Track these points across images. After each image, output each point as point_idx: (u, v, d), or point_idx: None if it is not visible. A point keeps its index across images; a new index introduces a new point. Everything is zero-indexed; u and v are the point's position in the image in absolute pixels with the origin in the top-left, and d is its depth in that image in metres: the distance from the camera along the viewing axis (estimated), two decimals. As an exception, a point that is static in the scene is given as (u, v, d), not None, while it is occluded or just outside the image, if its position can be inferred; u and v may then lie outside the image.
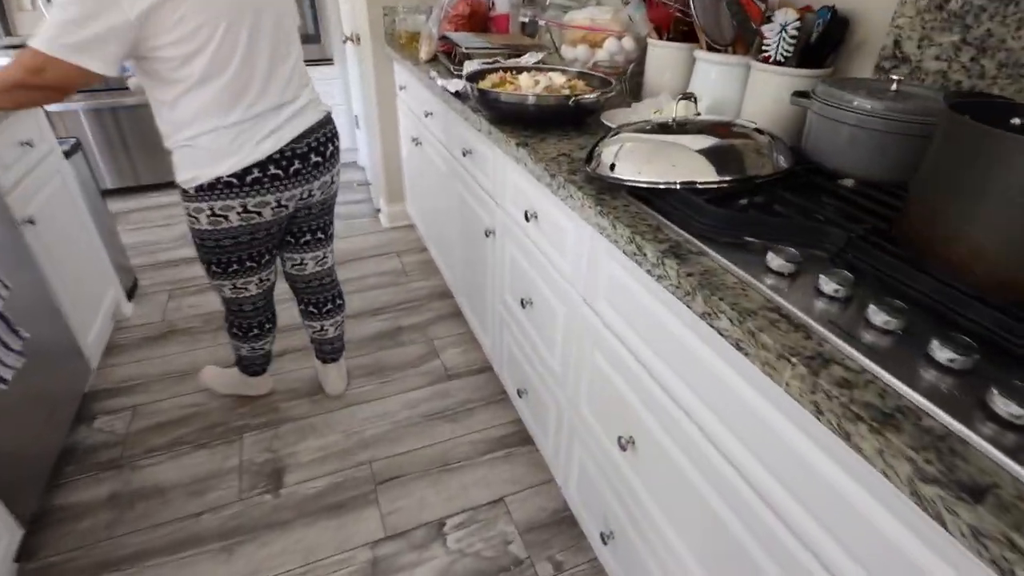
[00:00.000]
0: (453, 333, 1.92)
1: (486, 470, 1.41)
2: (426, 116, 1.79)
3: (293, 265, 1.41)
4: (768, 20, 0.96)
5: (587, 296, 0.95)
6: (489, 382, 1.70)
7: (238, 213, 1.12)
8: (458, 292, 1.89)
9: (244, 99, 1.05)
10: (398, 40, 2.13)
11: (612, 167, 0.84)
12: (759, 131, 0.88)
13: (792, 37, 0.93)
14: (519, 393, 1.37)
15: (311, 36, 2.98)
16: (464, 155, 1.43)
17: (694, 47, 1.22)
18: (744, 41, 1.07)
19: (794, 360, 0.52)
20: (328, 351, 1.60)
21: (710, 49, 1.12)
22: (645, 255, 0.72)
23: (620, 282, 0.84)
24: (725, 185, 0.77)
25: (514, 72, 1.32)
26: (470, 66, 1.43)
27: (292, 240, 1.35)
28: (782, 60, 0.96)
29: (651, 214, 0.79)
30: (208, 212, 1.11)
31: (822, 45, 0.96)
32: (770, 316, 0.58)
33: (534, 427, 1.36)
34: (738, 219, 0.72)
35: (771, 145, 0.83)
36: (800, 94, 0.89)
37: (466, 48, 1.58)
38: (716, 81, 1.13)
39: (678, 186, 0.77)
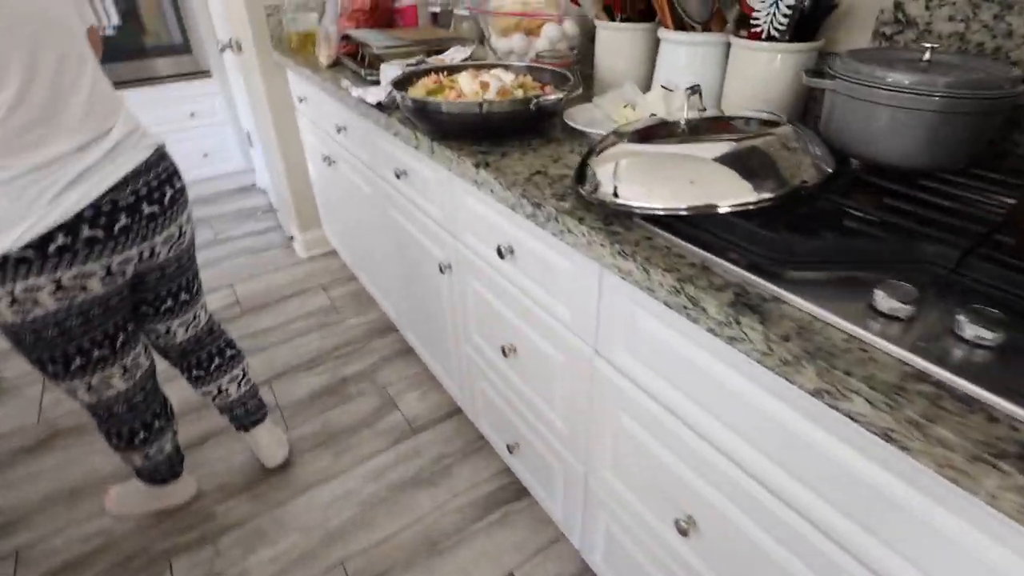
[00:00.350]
0: (407, 374, 1.69)
1: (483, 540, 1.21)
2: (338, 132, 1.52)
3: (158, 337, 1.14)
4: (758, -11, 0.81)
5: (602, 348, 0.77)
6: (461, 427, 1.49)
7: (52, 293, 0.84)
8: (404, 327, 1.65)
9: (24, 144, 0.77)
10: (288, 44, 1.83)
11: (615, 191, 0.66)
12: (773, 121, 0.73)
13: (788, 7, 0.79)
14: (509, 449, 1.17)
15: (178, 46, 2.56)
16: (398, 177, 1.19)
17: (651, 27, 1.07)
18: (720, 17, 0.92)
19: (1002, 464, 0.37)
20: (243, 415, 1.32)
21: (677, 28, 0.97)
22: (704, 310, 0.55)
23: (655, 335, 0.67)
24: (768, 203, 0.61)
25: (446, 73, 1.10)
26: (389, 70, 1.19)
27: (151, 311, 1.09)
28: (776, 35, 0.82)
29: (685, 247, 0.62)
30: (7, 300, 0.82)
31: (815, 13, 0.83)
32: (923, 390, 0.42)
33: (534, 484, 1.17)
34: (812, 247, 0.57)
35: (799, 137, 0.68)
36: (815, 72, 0.76)
37: (377, 49, 1.33)
38: (687, 65, 0.97)
39: (720, 210, 0.60)
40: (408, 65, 1.16)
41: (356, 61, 1.50)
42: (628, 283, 0.66)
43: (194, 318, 1.17)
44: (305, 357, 1.77)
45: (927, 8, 0.78)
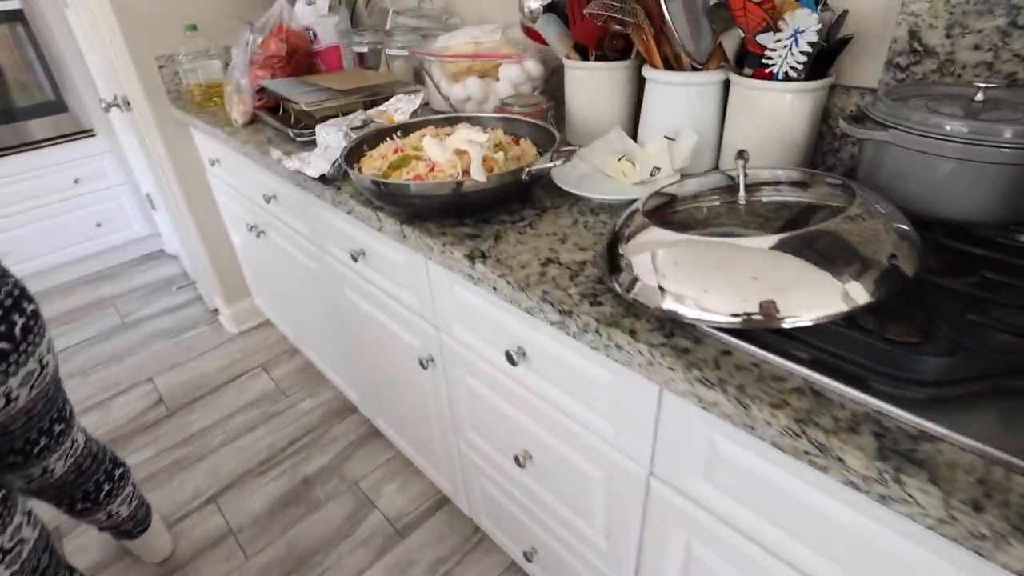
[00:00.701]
0: (379, 462, 1.48)
1: (507, 666, 1.04)
2: (268, 201, 1.30)
3: (31, 481, 0.94)
4: (771, 29, 0.71)
5: (661, 471, 0.64)
6: (455, 519, 1.31)
7: None
8: (370, 411, 1.45)
9: None
10: (190, 98, 1.58)
11: (661, 289, 0.53)
12: (801, 181, 0.63)
13: (810, 43, 0.69)
14: (527, 556, 1.01)
15: (52, 104, 2.19)
16: (355, 259, 1.01)
17: (631, 64, 0.96)
18: (718, 55, 0.82)
19: None
20: (132, 527, 1.18)
21: (667, 66, 0.86)
22: (841, 460, 0.42)
23: (749, 470, 0.54)
24: (868, 307, 0.49)
25: (400, 134, 0.94)
26: (328, 133, 1.01)
27: (21, 459, 0.89)
28: (793, 75, 0.73)
29: (781, 366, 0.49)
30: None
31: (828, 47, 0.74)
32: None
33: (556, 590, 1.02)
34: (948, 363, 0.45)
35: (863, 203, 0.58)
36: (853, 118, 0.66)
37: (307, 105, 1.14)
38: (680, 107, 0.87)
39: (805, 322, 0.48)
40: (352, 128, 0.98)
41: (275, 116, 1.30)
42: (706, 410, 0.52)
43: (72, 444, 0.97)
44: (255, 459, 1.52)
45: (948, 36, 0.72)
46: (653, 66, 0.87)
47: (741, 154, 0.58)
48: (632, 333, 0.54)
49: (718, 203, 0.64)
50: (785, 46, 0.71)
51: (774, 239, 0.51)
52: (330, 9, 1.46)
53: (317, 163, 0.97)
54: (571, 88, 1.01)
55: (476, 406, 0.93)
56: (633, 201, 0.78)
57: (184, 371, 1.87)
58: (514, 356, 0.72)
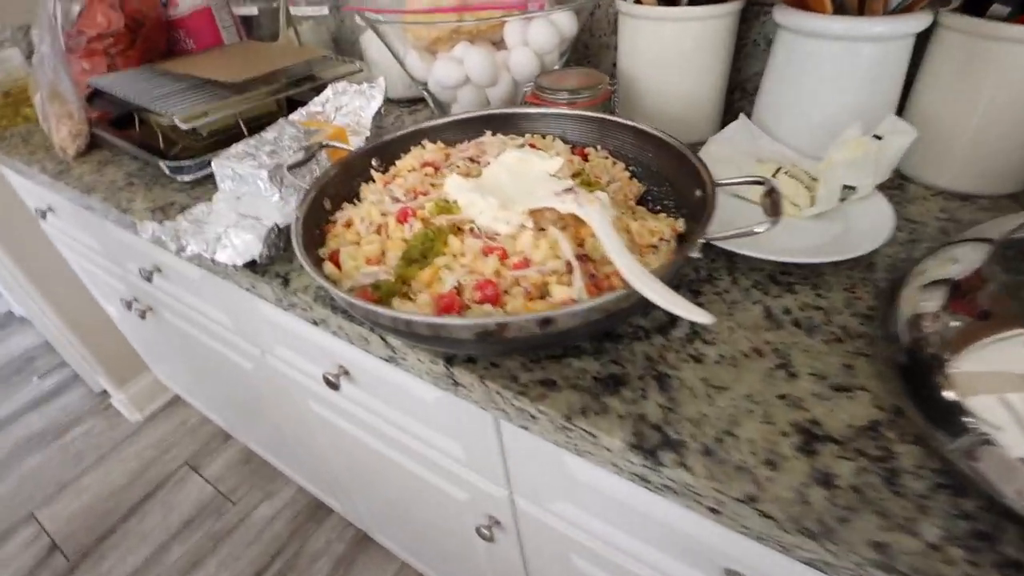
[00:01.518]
0: (387, 577, 1.12)
1: None
2: (148, 279, 0.83)
3: None
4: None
5: None
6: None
7: None
8: (367, 523, 1.07)
9: None
10: (-23, 119, 1.01)
11: None
12: None
13: None
14: None
15: None
16: (334, 386, 0.60)
17: (733, 9, 0.60)
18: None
19: None
20: None
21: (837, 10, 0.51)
22: None
23: None
24: None
25: (382, 165, 0.53)
26: (241, 174, 0.57)
27: None
28: None
29: None
30: None
31: None
32: None
33: None
34: None
35: None
36: None
37: (184, 119, 0.68)
38: (848, 76, 0.53)
39: None
40: (290, 167, 0.54)
41: (134, 137, 0.82)
42: None
43: None
44: (211, 611, 1.11)
45: None
46: (811, 8, 0.52)
47: None
48: None
49: None
50: None
51: None
52: (183, -47, 0.95)
53: (236, 236, 0.54)
54: (635, 50, 0.63)
55: (582, 584, 0.59)
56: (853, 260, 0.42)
57: (79, 493, 1.36)
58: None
